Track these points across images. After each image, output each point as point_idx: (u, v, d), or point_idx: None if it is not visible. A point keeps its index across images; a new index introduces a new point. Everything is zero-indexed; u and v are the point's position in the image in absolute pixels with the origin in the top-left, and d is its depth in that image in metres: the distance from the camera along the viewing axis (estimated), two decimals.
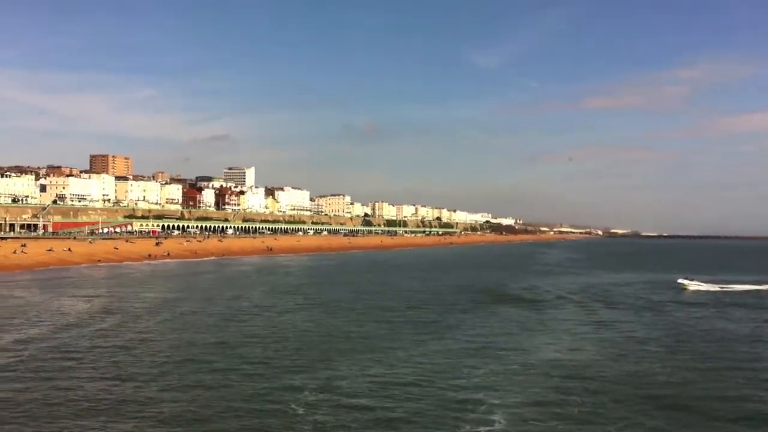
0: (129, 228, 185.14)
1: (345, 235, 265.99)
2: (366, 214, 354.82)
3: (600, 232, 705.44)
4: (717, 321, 46.89)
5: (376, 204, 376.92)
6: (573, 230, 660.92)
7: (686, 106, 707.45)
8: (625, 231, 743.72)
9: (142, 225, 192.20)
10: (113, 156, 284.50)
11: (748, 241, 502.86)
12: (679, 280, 73.35)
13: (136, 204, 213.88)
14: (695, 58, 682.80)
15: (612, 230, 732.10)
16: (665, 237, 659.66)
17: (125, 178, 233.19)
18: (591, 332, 41.16)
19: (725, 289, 69.05)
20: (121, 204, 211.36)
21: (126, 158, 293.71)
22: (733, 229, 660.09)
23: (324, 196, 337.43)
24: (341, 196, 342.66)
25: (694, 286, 70.37)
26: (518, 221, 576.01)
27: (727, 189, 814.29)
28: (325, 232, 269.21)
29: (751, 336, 40.54)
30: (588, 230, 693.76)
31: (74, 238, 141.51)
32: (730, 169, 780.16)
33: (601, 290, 69.38)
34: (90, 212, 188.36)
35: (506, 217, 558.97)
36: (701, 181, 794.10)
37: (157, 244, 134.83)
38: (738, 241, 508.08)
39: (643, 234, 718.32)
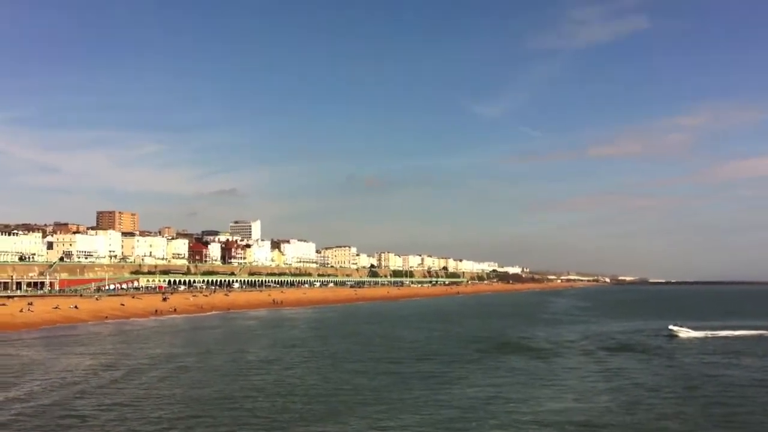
0: (135, 284, 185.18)
1: (351, 286, 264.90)
2: (372, 265, 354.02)
3: (608, 280, 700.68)
4: (718, 368, 46.51)
5: (382, 255, 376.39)
6: (580, 278, 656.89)
7: (687, 152, 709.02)
8: (632, 278, 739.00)
9: (148, 280, 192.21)
10: (119, 212, 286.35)
11: (756, 286, 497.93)
12: (670, 327, 73.95)
13: (142, 259, 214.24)
14: (696, 105, 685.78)
15: (620, 277, 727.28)
16: (673, 283, 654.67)
17: (131, 234, 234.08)
18: (601, 380, 40.75)
19: (712, 336, 70.31)
20: (127, 260, 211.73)
21: (132, 214, 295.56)
22: (741, 275, 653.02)
23: (330, 248, 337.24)
24: (347, 248, 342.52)
25: (683, 332, 71.29)
26: (525, 270, 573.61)
27: (729, 234, 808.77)
28: (331, 284, 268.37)
29: (758, 381, 40.33)
30: (596, 278, 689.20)
31: (80, 295, 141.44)
32: (731, 214, 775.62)
33: (608, 338, 69.02)
34: (96, 269, 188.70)
35: (513, 266, 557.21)
36: (704, 226, 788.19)
37: (163, 299, 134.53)
38: (745, 286, 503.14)
39: (651, 281, 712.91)
